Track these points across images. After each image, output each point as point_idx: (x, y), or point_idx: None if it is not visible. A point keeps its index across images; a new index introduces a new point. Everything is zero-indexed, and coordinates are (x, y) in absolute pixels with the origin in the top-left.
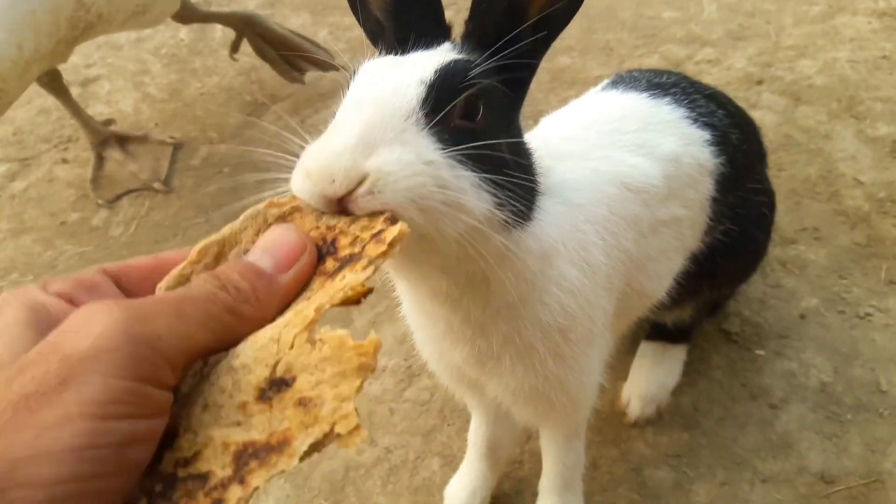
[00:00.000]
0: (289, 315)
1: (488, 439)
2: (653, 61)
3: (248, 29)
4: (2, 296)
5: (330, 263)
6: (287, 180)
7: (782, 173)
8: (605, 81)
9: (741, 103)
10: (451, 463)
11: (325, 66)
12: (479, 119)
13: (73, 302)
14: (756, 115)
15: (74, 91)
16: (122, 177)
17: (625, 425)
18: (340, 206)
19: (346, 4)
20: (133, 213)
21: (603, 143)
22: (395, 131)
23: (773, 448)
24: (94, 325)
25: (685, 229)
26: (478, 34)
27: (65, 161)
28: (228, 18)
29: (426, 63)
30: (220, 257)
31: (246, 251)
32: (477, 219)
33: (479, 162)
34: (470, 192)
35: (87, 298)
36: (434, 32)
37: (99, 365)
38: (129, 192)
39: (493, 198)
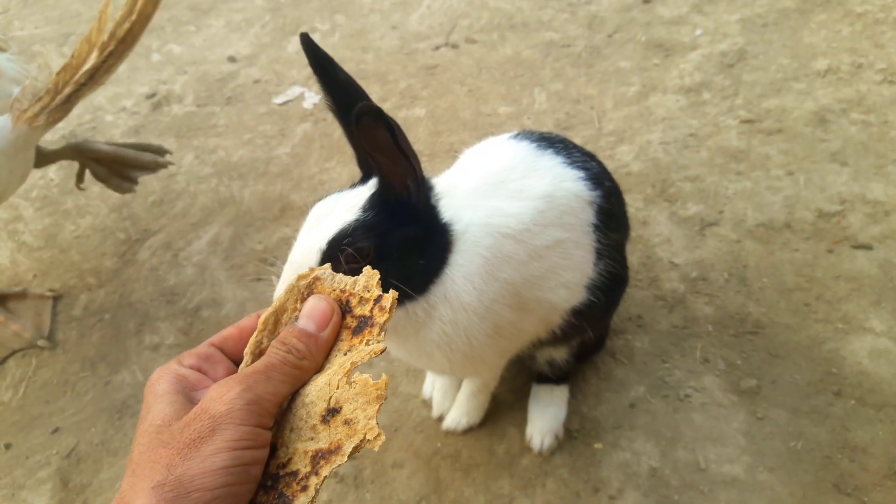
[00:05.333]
0: (335, 367)
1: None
2: None
3: (80, 157)
4: (156, 372)
5: (349, 320)
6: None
7: None
8: (511, 133)
9: None
10: None
11: (153, 166)
12: (364, 257)
13: (200, 370)
14: None
15: None
16: (5, 338)
17: None
18: None
19: (209, 126)
20: (21, 374)
21: (491, 193)
22: None
23: None
24: (225, 396)
25: (571, 249)
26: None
27: None
28: (63, 153)
29: (327, 230)
30: (277, 323)
31: (294, 317)
32: None
33: None
34: None
35: (208, 366)
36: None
37: (232, 419)
38: (13, 353)
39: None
